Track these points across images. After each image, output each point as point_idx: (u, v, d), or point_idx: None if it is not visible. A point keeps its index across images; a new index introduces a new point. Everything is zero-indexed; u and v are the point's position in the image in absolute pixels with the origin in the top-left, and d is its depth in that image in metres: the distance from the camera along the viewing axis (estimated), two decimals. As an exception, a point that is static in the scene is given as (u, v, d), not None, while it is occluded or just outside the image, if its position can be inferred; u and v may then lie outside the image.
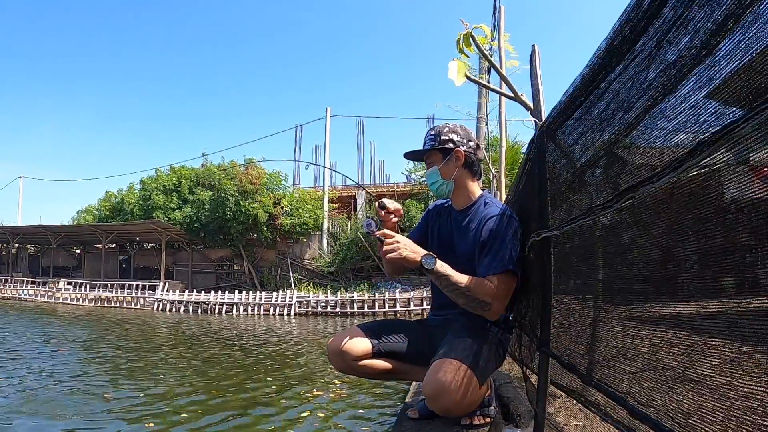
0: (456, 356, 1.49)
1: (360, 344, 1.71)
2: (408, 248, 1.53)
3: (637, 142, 0.95)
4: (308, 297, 15.56)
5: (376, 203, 1.73)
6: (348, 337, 1.73)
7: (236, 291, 16.92)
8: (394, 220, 1.79)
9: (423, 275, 14.65)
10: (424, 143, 1.78)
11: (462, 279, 1.53)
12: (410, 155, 1.84)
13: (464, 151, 1.73)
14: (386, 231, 1.58)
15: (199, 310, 15.86)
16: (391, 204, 1.79)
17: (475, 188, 1.79)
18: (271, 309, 15.41)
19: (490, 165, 7.46)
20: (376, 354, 1.73)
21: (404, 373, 1.84)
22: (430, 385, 1.46)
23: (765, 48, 0.56)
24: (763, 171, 0.57)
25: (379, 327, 1.81)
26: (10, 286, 19.75)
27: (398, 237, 1.55)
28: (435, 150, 1.75)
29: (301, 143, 25.19)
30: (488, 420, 1.69)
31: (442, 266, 1.52)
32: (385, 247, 1.53)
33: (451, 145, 1.73)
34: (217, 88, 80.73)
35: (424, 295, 12.81)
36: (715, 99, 0.67)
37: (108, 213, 20.93)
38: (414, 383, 3.35)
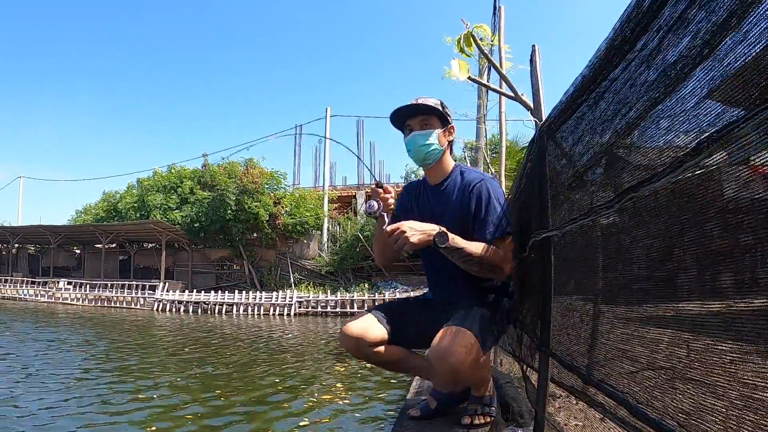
0: (460, 324, 1.52)
1: (376, 331, 1.71)
2: (416, 231, 1.48)
3: (638, 142, 0.95)
4: (308, 297, 15.56)
5: (374, 184, 1.68)
6: (364, 323, 1.71)
7: (236, 291, 16.91)
8: (391, 200, 1.76)
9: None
10: (421, 106, 1.70)
11: (474, 248, 1.53)
12: (406, 110, 1.71)
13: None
14: (391, 226, 1.52)
15: (199, 310, 15.85)
16: (388, 186, 1.77)
17: (451, 162, 1.79)
18: (271, 309, 15.40)
19: (489, 165, 7.46)
20: (391, 341, 1.72)
21: (414, 367, 1.86)
22: (435, 347, 1.49)
23: (765, 48, 0.57)
24: (762, 171, 0.57)
25: (392, 314, 1.79)
26: (10, 286, 19.74)
27: (402, 225, 1.49)
28: (435, 115, 1.72)
29: (301, 143, 25.08)
30: (489, 419, 1.69)
31: (453, 240, 1.50)
32: (397, 243, 1.48)
33: (449, 119, 1.75)
34: (217, 88, 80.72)
35: (424, 295, 12.79)
36: (715, 99, 0.67)
37: (104, 213, 20.92)
38: (414, 383, 3.35)
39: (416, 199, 1.85)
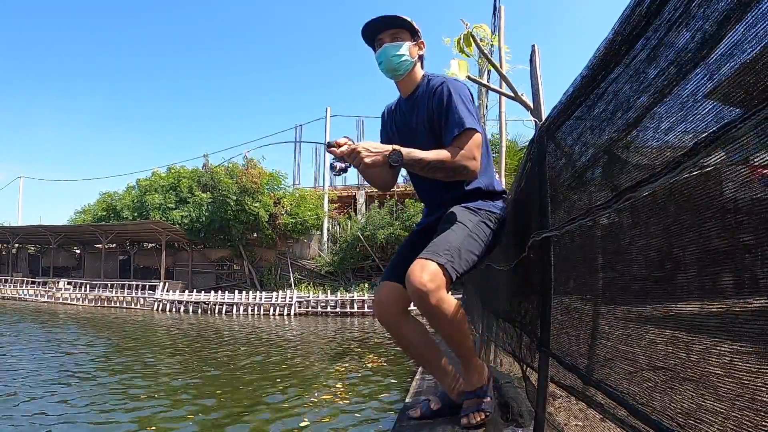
0: (426, 255, 1.52)
1: (391, 291, 1.68)
2: (370, 152, 1.48)
3: (637, 142, 0.95)
4: (308, 297, 15.56)
5: (325, 145, 1.65)
6: (380, 289, 1.71)
7: (236, 291, 16.92)
8: (348, 149, 1.72)
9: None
10: (391, 17, 1.71)
11: (431, 155, 1.54)
12: (377, 23, 1.71)
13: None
14: (346, 147, 1.50)
15: (199, 310, 15.86)
16: (340, 139, 1.70)
17: (421, 72, 1.79)
18: (271, 309, 15.41)
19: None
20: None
21: (428, 360, 1.79)
22: (407, 288, 1.50)
23: (764, 48, 0.57)
24: (759, 172, 0.57)
25: (400, 265, 1.72)
26: (10, 286, 19.75)
27: (358, 146, 1.49)
28: (406, 29, 1.73)
29: (301, 144, 25.08)
30: (486, 415, 1.67)
31: (409, 154, 1.51)
32: (353, 164, 1.49)
33: (419, 34, 1.77)
34: (217, 87, 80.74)
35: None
36: (714, 99, 0.68)
37: (103, 213, 20.93)
38: (414, 383, 3.35)
39: (393, 119, 1.87)
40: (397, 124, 1.84)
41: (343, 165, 1.58)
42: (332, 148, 1.60)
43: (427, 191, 1.87)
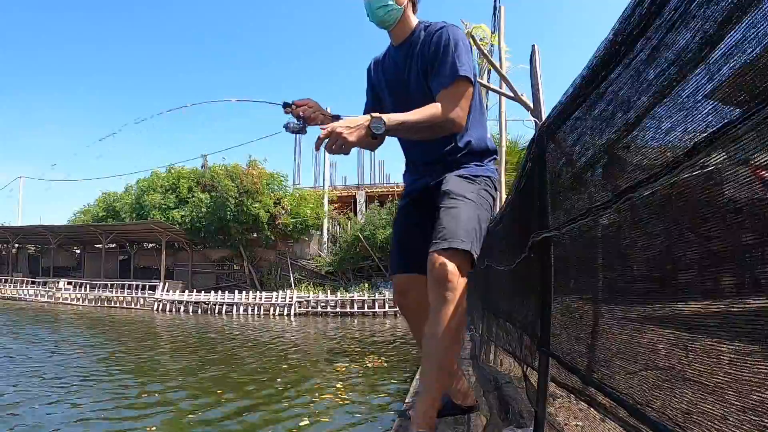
0: (441, 242, 1.39)
1: (403, 281, 1.63)
2: (351, 128, 1.33)
3: (637, 142, 0.95)
4: (308, 297, 15.56)
5: (282, 105, 1.54)
6: (398, 282, 1.63)
7: (236, 291, 16.92)
8: (309, 110, 1.59)
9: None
10: None
11: (416, 116, 1.41)
12: None
13: None
14: (323, 133, 1.34)
15: (199, 310, 15.86)
16: (300, 101, 1.61)
17: (414, 19, 1.65)
18: (271, 309, 15.41)
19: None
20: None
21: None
22: (434, 277, 1.39)
23: (764, 48, 0.57)
24: (759, 174, 0.57)
25: (407, 252, 1.66)
26: (10, 286, 19.75)
27: (334, 127, 1.33)
28: None
29: (301, 143, 25.06)
30: (472, 398, 1.67)
31: (390, 119, 1.38)
32: (334, 148, 1.34)
33: None
34: (217, 87, 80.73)
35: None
36: (714, 99, 0.68)
37: (103, 213, 20.94)
38: (414, 383, 3.35)
39: (382, 71, 1.72)
40: (387, 76, 1.69)
41: (297, 124, 1.49)
42: (288, 108, 1.51)
43: (414, 149, 1.72)
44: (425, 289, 1.48)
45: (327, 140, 1.32)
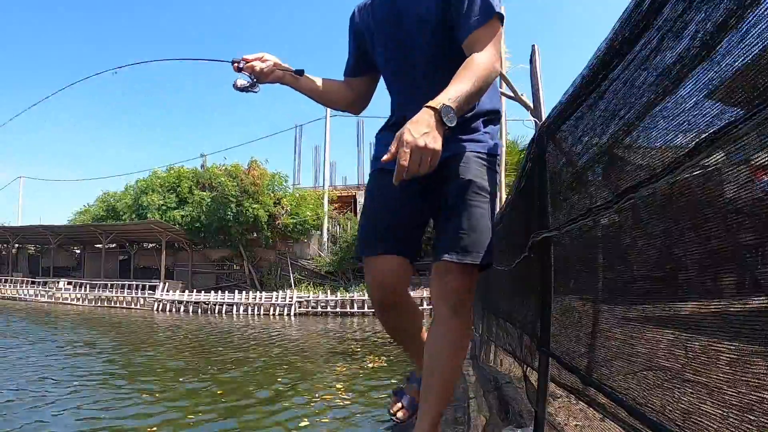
0: (458, 253, 1.18)
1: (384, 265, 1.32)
2: (426, 137, 0.98)
3: (638, 142, 0.95)
4: (308, 297, 15.56)
5: (230, 62, 1.35)
6: (387, 265, 1.31)
7: (236, 291, 16.92)
8: (261, 64, 1.35)
9: (423, 274, 14.54)
10: None
11: (471, 81, 1.09)
12: None
13: None
14: (389, 154, 1.00)
15: (199, 310, 15.86)
16: (249, 56, 1.37)
17: None
18: (271, 309, 15.41)
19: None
20: (410, 258, 1.33)
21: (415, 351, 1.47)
22: (442, 290, 1.20)
23: (764, 48, 0.57)
24: (759, 174, 0.57)
25: (383, 231, 1.34)
26: (10, 286, 19.75)
27: (402, 142, 0.98)
28: None
29: (301, 143, 25.07)
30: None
31: (452, 99, 1.04)
32: (420, 168, 0.98)
33: None
34: (217, 87, 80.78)
35: (424, 295, 12.79)
36: (714, 99, 0.68)
37: (103, 213, 20.95)
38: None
39: (369, 14, 1.40)
40: (374, 16, 1.37)
41: (246, 82, 1.34)
42: (237, 64, 1.32)
43: (411, 104, 1.17)
44: (407, 279, 1.32)
45: (408, 162, 0.97)
